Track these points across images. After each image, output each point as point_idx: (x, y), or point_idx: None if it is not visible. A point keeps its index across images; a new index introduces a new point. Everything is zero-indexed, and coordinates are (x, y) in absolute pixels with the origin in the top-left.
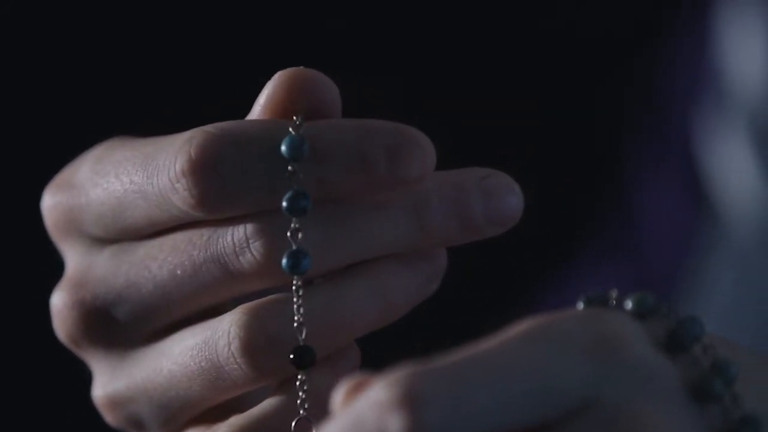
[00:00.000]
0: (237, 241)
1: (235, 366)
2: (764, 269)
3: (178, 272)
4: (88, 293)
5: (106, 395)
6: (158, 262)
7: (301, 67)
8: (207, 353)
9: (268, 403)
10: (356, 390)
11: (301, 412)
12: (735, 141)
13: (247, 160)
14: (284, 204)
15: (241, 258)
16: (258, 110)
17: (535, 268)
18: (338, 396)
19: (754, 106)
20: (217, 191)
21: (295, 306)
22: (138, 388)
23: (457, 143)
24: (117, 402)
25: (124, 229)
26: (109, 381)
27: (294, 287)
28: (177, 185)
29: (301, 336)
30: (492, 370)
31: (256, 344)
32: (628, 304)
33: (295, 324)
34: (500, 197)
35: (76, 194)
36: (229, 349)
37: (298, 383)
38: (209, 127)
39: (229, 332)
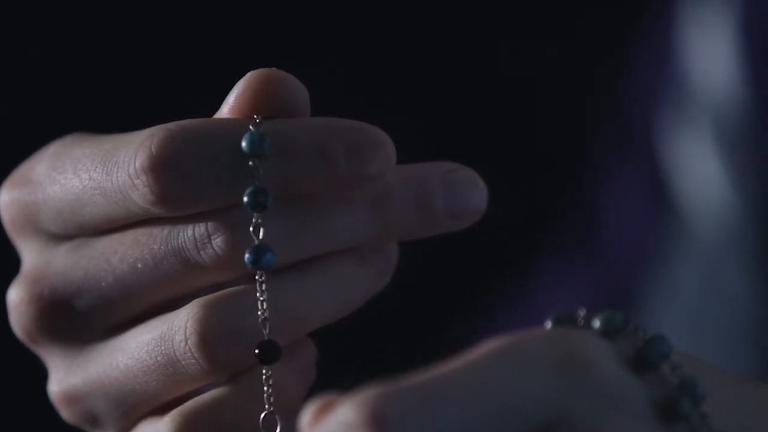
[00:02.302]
0: (198, 236)
1: (193, 361)
2: (728, 270)
3: (139, 265)
4: (46, 288)
5: (62, 391)
6: (118, 255)
7: (273, 69)
8: (163, 348)
9: (216, 391)
10: (324, 411)
11: (267, 406)
12: (698, 142)
13: (208, 158)
14: (245, 200)
15: (202, 253)
16: (226, 109)
17: (498, 270)
18: (306, 417)
19: (717, 106)
20: (177, 188)
21: (259, 302)
22: (94, 383)
23: (421, 143)
24: (73, 397)
25: (82, 225)
26: (65, 376)
27: (257, 283)
28: (137, 182)
29: (266, 331)
30: (459, 391)
31: (214, 339)
32: (596, 323)
33: (260, 319)
34: (463, 191)
35: (33, 191)
36: (186, 344)
37: (264, 378)
38: (170, 125)
39: (185, 327)
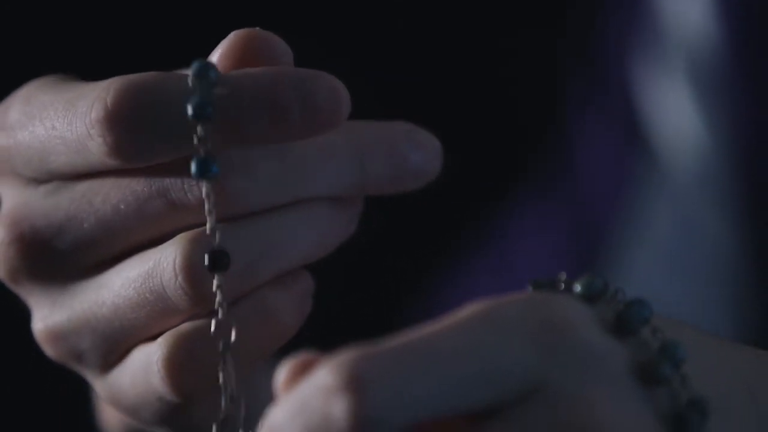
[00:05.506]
0: (185, 177)
1: (184, 296)
2: (701, 210)
3: (122, 206)
4: (27, 228)
5: (47, 328)
6: (101, 196)
7: (257, 29)
8: (151, 284)
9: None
10: (300, 372)
11: (221, 313)
12: (672, 83)
13: (162, 110)
14: (188, 110)
15: (189, 194)
16: None
17: (471, 213)
18: (282, 377)
19: (691, 47)
20: (131, 140)
21: (206, 210)
22: (80, 320)
23: (390, 90)
24: (58, 334)
25: (51, 172)
26: (49, 314)
27: (204, 194)
28: (92, 132)
29: (215, 241)
30: (437, 355)
31: (202, 271)
32: (577, 288)
33: (208, 231)
34: (427, 151)
35: (6, 135)
36: (177, 279)
37: (214, 287)
38: (128, 77)
39: (174, 263)
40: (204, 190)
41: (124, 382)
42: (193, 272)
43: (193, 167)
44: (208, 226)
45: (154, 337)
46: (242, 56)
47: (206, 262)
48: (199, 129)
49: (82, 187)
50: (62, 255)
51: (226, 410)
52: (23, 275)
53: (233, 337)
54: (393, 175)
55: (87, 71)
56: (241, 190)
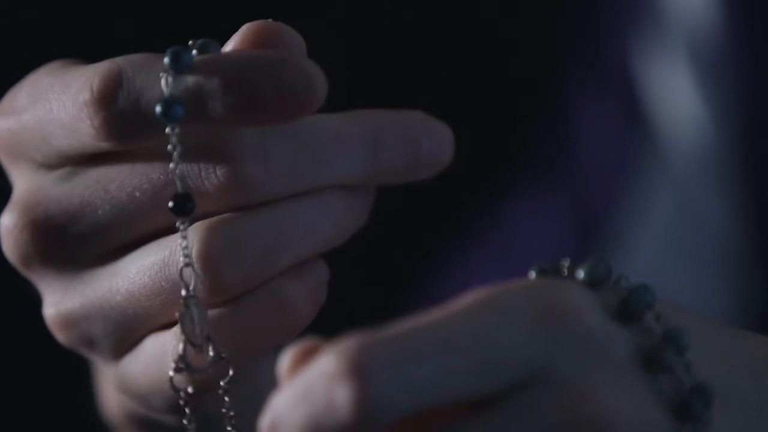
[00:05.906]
0: (203, 165)
1: (199, 284)
2: (702, 192)
3: (137, 194)
4: (41, 213)
5: (59, 314)
6: (116, 183)
7: (269, 20)
8: (167, 273)
9: (224, 309)
10: (303, 358)
11: (182, 259)
12: (674, 65)
13: (145, 92)
14: (165, 60)
15: (206, 181)
16: None
17: (472, 199)
18: (285, 363)
19: (692, 30)
20: (116, 122)
21: (175, 155)
22: (93, 306)
23: (388, 77)
24: (70, 321)
25: (58, 156)
26: (62, 300)
27: (169, 130)
28: (81, 115)
29: (179, 186)
30: (440, 342)
31: (219, 261)
32: (580, 274)
33: (175, 175)
34: (439, 141)
35: (15, 119)
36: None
37: (180, 232)
38: (116, 60)
39: (191, 251)
40: (168, 130)
41: (135, 370)
42: (209, 261)
43: (157, 108)
44: (172, 165)
45: (167, 326)
46: (255, 47)
47: (170, 205)
48: (168, 74)
49: (97, 174)
50: (76, 241)
51: (183, 351)
52: (35, 261)
53: (193, 283)
54: (406, 163)
55: (99, 55)
56: (256, 178)
